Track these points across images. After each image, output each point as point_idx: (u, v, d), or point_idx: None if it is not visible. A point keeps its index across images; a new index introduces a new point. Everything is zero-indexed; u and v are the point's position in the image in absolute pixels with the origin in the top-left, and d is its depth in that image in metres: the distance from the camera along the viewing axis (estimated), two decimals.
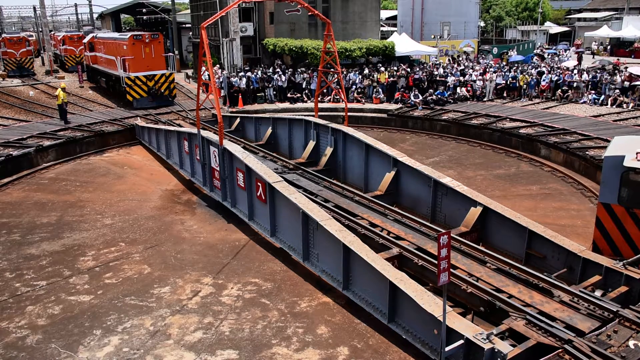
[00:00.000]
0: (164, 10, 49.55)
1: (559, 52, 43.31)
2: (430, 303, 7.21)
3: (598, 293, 7.93)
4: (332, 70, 18.20)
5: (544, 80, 26.54)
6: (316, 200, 11.54)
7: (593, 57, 45.15)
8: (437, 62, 32.69)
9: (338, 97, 25.69)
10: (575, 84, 25.65)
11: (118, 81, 25.58)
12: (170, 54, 27.97)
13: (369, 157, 13.65)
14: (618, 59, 37.05)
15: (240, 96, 25.74)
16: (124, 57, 24.62)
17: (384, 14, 58.71)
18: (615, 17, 58.54)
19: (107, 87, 28.97)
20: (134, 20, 70.10)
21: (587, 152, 16.49)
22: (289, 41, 31.76)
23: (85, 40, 33.70)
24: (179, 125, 20.50)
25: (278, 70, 28.59)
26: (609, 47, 49.00)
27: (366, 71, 28.11)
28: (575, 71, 27.66)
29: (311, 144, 15.60)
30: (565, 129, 19.37)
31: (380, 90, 26.58)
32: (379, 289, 8.18)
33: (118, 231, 12.83)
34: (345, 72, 27.21)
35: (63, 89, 22.15)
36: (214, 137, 13.33)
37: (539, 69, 28.92)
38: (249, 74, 27.53)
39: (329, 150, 14.90)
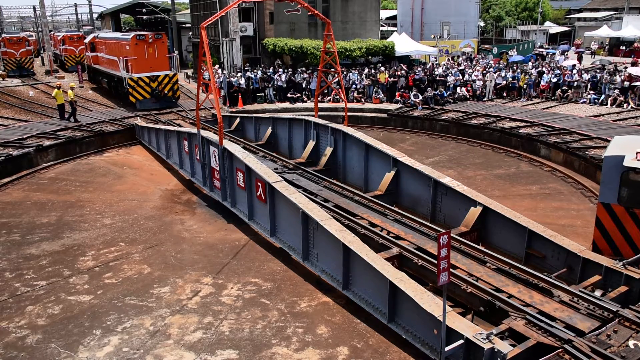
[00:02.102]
0: (164, 10, 49.60)
1: (562, 52, 43.14)
2: (430, 303, 7.21)
3: (598, 293, 7.93)
4: (332, 70, 18.20)
5: (543, 80, 26.54)
6: (316, 200, 11.54)
7: (593, 57, 45.02)
8: (437, 63, 32.70)
9: (338, 97, 25.69)
10: (576, 83, 25.64)
11: (120, 82, 25.15)
12: (174, 54, 27.55)
13: (369, 157, 13.65)
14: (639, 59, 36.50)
15: (240, 96, 25.73)
16: (127, 58, 24.13)
17: (384, 14, 58.70)
18: (615, 17, 58.52)
19: (109, 88, 28.55)
20: (134, 20, 70.20)
21: (587, 152, 16.49)
22: (288, 41, 31.76)
23: (86, 41, 33.28)
24: (179, 125, 20.50)
25: (278, 70, 28.59)
26: (622, 47, 48.20)
27: (366, 71, 28.11)
28: (575, 71, 27.67)
29: (311, 144, 15.60)
30: (565, 128, 19.37)
31: (380, 90, 26.59)
32: (379, 289, 8.18)
33: (118, 231, 12.83)
34: (345, 72, 27.22)
35: (58, 87, 22.22)
36: (214, 137, 13.33)
37: (538, 69, 28.93)
38: (248, 73, 27.54)
39: (328, 150, 14.89)
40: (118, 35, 28.96)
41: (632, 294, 7.94)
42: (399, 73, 27.45)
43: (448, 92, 26.19)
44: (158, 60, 24.46)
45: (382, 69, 28.61)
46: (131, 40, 23.88)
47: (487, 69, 29.35)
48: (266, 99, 26.99)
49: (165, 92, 24.72)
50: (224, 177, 13.08)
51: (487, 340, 6.49)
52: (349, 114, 16.55)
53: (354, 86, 26.86)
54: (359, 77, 27.40)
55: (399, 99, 26.01)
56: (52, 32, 49.12)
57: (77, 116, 22.26)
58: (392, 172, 12.61)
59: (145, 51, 24.01)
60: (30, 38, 43.18)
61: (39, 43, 51.01)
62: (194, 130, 14.55)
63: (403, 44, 34.11)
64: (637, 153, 9.10)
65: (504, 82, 26.98)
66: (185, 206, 14.68)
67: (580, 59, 39.51)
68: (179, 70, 28.31)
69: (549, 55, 39.84)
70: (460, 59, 37.05)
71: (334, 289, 9.54)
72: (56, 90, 22.01)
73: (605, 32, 50.68)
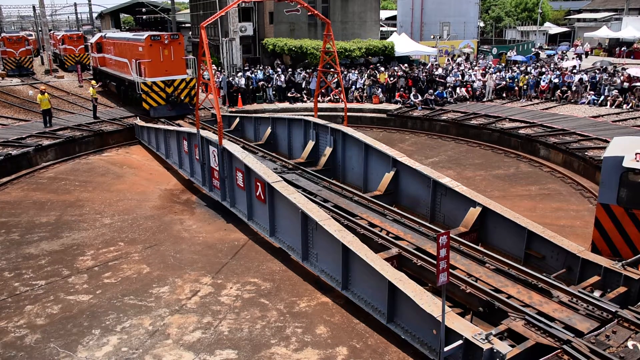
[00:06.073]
0: (164, 10, 49.62)
1: (561, 53, 43.06)
2: (429, 303, 7.21)
3: (597, 293, 7.93)
4: (331, 70, 18.20)
5: (543, 80, 26.57)
6: (315, 200, 11.54)
7: (585, 57, 44.74)
8: (436, 63, 32.73)
9: (337, 97, 25.70)
10: (574, 87, 25.55)
11: (131, 86, 23.35)
12: (191, 56, 25.33)
13: (368, 157, 13.65)
14: None
15: (239, 96, 25.72)
16: (140, 60, 22.13)
17: (384, 14, 58.73)
18: (615, 17, 58.54)
19: (118, 92, 26.60)
20: (134, 19, 70.30)
21: (586, 153, 16.51)
22: (288, 41, 31.78)
23: (92, 41, 31.63)
24: (178, 125, 20.48)
25: (278, 70, 28.60)
26: (623, 48, 47.27)
27: (368, 71, 28.15)
28: (575, 71, 27.70)
29: (310, 144, 15.60)
30: (564, 129, 19.38)
31: (380, 90, 26.59)
32: (378, 289, 8.18)
33: (117, 231, 12.82)
34: (345, 72, 27.23)
35: (42, 92, 21.09)
36: (213, 137, 13.33)
37: (538, 70, 28.97)
38: (248, 73, 27.52)
39: (328, 150, 14.90)
40: (129, 35, 26.26)
41: (631, 294, 7.94)
42: (398, 73, 27.44)
43: (448, 91, 26.17)
44: (174, 63, 22.34)
45: (382, 69, 28.61)
46: (145, 41, 21.79)
47: (486, 70, 29.38)
48: (266, 99, 26.99)
49: (182, 97, 22.66)
50: (223, 177, 13.08)
51: (486, 341, 6.49)
52: (348, 114, 16.55)
53: (353, 86, 26.88)
54: (358, 75, 27.41)
55: (398, 99, 26.02)
56: (51, 32, 49.09)
57: (78, 116, 22.17)
58: (392, 173, 12.61)
59: (160, 53, 21.90)
60: (29, 37, 43.16)
61: (38, 42, 50.95)
62: (194, 130, 14.54)
63: (403, 44, 34.13)
64: (636, 154, 9.10)
65: (503, 83, 27.01)
66: (185, 206, 14.68)
67: (580, 59, 39.45)
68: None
69: (548, 57, 39.82)
70: (460, 58, 37.06)
71: (333, 289, 9.54)
72: (40, 95, 20.84)
73: (604, 32, 50.64)
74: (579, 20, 65.31)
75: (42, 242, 12.17)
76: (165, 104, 22.40)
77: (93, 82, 24.17)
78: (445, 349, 6.54)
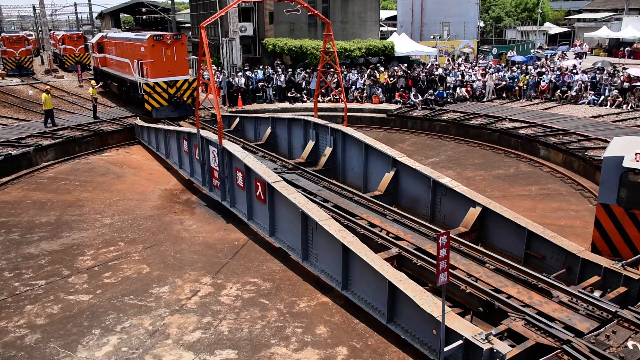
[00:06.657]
0: (164, 10, 49.62)
1: (561, 53, 43.01)
2: (429, 303, 7.22)
3: (597, 294, 7.93)
4: (331, 70, 18.19)
5: (543, 80, 26.57)
6: (315, 200, 11.54)
7: (584, 57, 44.71)
8: (436, 63, 32.73)
9: (338, 97, 25.70)
10: (574, 92, 25.48)
11: (133, 87, 23.09)
12: (193, 56, 24.90)
13: (368, 157, 13.66)
14: None
15: (239, 96, 25.71)
16: (142, 61, 21.77)
17: (384, 14, 58.75)
18: (615, 17, 58.53)
19: (120, 93, 26.30)
20: (134, 19, 70.35)
21: (586, 153, 16.51)
22: (288, 41, 31.78)
23: (93, 40, 31.34)
24: (179, 125, 20.48)
25: (278, 69, 28.59)
26: (627, 48, 46.73)
27: (368, 71, 28.15)
28: (575, 71, 27.70)
29: (310, 144, 15.61)
30: (564, 129, 19.39)
31: (380, 90, 26.59)
32: (378, 289, 8.18)
33: (117, 231, 12.82)
34: (345, 72, 27.23)
35: (47, 92, 21.18)
36: (213, 137, 13.33)
37: (538, 70, 28.97)
38: (248, 73, 27.51)
39: (328, 150, 14.90)
40: (131, 35, 25.71)
41: (631, 294, 7.95)
42: (398, 73, 27.44)
43: (448, 92, 26.16)
44: (177, 64, 22.00)
45: (382, 69, 28.59)
46: (147, 41, 21.42)
47: (486, 70, 29.38)
48: (266, 99, 26.99)
49: (185, 99, 22.33)
50: (223, 177, 13.08)
51: (486, 341, 6.49)
52: (348, 114, 16.55)
53: (353, 86, 26.88)
54: (358, 75, 27.40)
55: (398, 99, 26.02)
56: (51, 32, 49.09)
57: (78, 115, 22.13)
58: (392, 173, 12.61)
59: (163, 53, 21.55)
60: (29, 37, 43.17)
61: (38, 42, 50.98)
62: (194, 130, 14.54)
63: (403, 44, 34.15)
64: (636, 154, 9.10)
65: (503, 83, 27.02)
66: (185, 206, 14.68)
67: (580, 59, 39.45)
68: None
69: (549, 57, 39.80)
70: (460, 59, 37.04)
71: (333, 289, 9.54)
72: (44, 94, 20.83)
73: (604, 33, 50.63)
74: (579, 20, 65.30)
75: (42, 242, 12.17)
76: (168, 105, 22.13)
77: (93, 82, 24.16)
78: (445, 349, 6.54)
